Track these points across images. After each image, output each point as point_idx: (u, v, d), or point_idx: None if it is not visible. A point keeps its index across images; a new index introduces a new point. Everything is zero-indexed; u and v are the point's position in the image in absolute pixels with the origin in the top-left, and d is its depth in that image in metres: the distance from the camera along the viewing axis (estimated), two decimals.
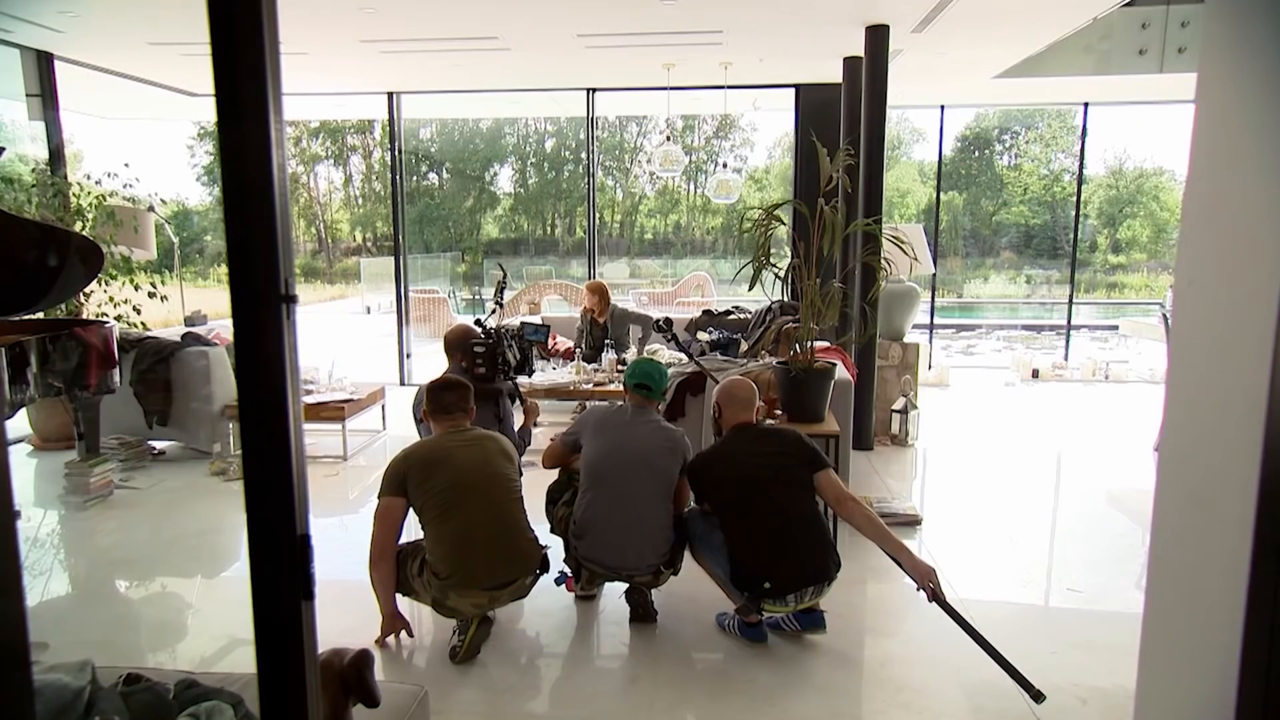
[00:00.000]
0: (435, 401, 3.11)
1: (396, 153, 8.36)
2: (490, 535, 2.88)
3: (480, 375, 3.78)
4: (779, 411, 4.15)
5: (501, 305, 4.29)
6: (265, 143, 1.03)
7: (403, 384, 8.28)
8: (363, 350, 11.10)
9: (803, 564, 2.88)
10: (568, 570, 3.27)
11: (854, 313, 5.16)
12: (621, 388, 3.71)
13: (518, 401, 4.06)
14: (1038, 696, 2.51)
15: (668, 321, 4.52)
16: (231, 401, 5.45)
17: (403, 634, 3.08)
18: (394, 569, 2.93)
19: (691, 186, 25.76)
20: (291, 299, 1.08)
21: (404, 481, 2.91)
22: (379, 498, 2.95)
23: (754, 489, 2.96)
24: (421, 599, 2.99)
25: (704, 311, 7.40)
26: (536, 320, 4.19)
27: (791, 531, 2.92)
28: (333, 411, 5.44)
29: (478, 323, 4.04)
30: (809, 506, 3.00)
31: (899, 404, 5.93)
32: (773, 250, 3.79)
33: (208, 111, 10.73)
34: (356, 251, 26.19)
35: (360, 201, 27.06)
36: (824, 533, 3.00)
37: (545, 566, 3.05)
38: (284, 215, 1.06)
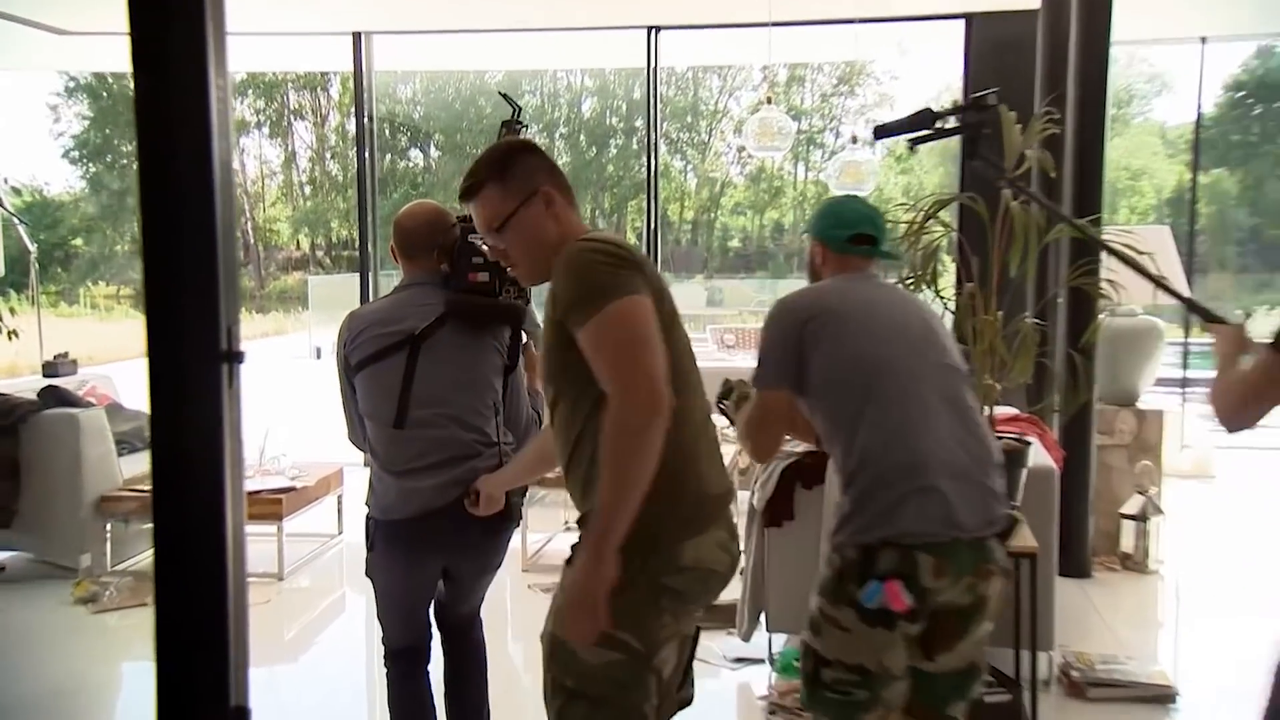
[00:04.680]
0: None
1: (364, 119, 8.57)
2: None
3: (479, 286, 3.08)
4: None
5: None
6: (204, 117, 1.05)
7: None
8: (311, 414, 11.23)
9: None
10: (876, 582, 2.43)
11: (1057, 364, 5.06)
12: None
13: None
14: None
15: None
16: (111, 491, 5.52)
17: None
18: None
19: (801, 169, 25.86)
20: (236, 356, 1.11)
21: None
22: (620, 299, 2.01)
23: None
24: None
25: None
26: None
27: None
28: (265, 506, 5.44)
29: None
30: None
31: (1134, 506, 5.81)
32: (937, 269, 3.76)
33: (84, 55, 10.97)
34: (301, 264, 26.79)
35: (308, 190, 27.77)
36: None
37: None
38: (227, 232, 1.07)
